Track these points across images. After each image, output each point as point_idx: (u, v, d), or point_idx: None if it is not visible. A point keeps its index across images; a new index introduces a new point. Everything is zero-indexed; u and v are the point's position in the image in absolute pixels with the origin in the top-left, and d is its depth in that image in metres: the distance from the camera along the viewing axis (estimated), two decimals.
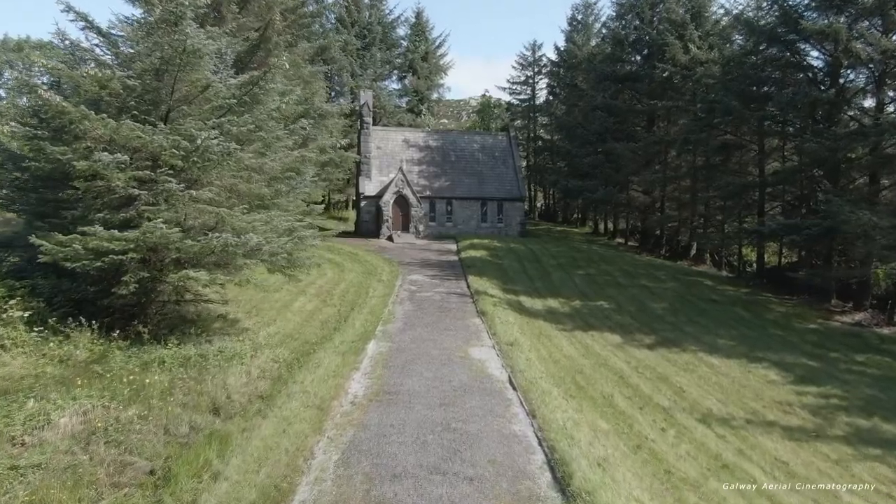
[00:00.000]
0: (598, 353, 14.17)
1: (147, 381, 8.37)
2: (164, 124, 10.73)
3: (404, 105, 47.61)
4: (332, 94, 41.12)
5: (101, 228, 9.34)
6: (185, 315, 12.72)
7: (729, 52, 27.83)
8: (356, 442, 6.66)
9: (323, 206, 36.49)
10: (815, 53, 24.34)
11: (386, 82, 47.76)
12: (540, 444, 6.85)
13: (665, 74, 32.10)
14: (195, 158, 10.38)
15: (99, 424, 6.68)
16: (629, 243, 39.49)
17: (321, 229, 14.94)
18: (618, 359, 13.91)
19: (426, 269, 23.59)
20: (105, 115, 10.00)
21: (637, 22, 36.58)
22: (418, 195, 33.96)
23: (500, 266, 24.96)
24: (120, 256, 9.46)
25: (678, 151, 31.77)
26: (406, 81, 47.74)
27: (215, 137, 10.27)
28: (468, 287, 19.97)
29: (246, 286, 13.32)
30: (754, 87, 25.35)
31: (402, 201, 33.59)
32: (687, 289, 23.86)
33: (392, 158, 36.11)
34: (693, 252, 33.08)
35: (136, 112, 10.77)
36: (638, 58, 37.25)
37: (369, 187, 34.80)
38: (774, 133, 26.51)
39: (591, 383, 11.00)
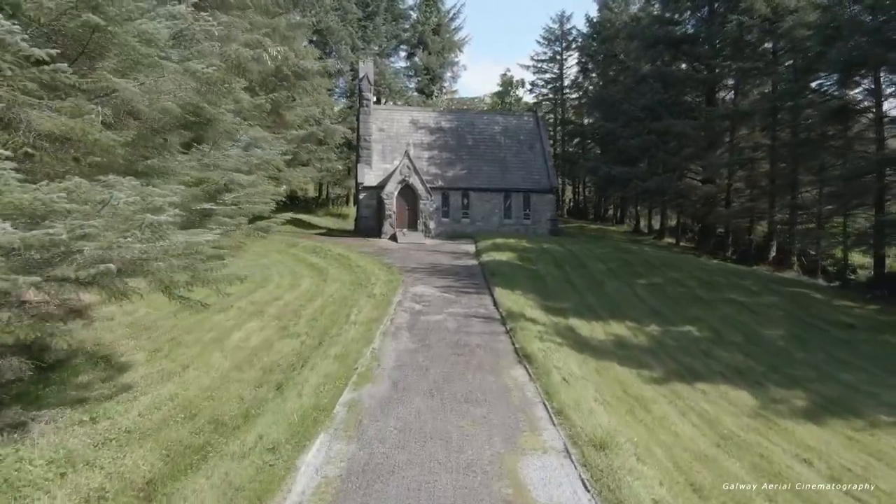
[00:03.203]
0: (740, 438, 7.88)
1: None
2: None
3: (413, 85, 41.35)
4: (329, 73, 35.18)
5: None
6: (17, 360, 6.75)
7: None
8: None
9: (294, 197, 30.29)
10: None
11: (392, 59, 41.49)
12: None
13: (736, 32, 25.44)
14: None
15: None
16: (681, 243, 32.97)
17: (257, 218, 8.83)
18: (783, 452, 7.61)
19: (436, 277, 17.43)
20: None
21: None
22: (428, 185, 27.76)
23: (535, 273, 18.71)
24: None
25: (760, 125, 25.05)
26: (416, 58, 41.40)
27: None
28: (496, 305, 13.80)
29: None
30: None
31: (408, 193, 27.46)
32: (796, 306, 17.33)
33: (397, 142, 29.99)
34: (772, 254, 26.38)
35: None
36: (696, 16, 30.52)
37: (370, 176, 28.74)
38: None
39: None
